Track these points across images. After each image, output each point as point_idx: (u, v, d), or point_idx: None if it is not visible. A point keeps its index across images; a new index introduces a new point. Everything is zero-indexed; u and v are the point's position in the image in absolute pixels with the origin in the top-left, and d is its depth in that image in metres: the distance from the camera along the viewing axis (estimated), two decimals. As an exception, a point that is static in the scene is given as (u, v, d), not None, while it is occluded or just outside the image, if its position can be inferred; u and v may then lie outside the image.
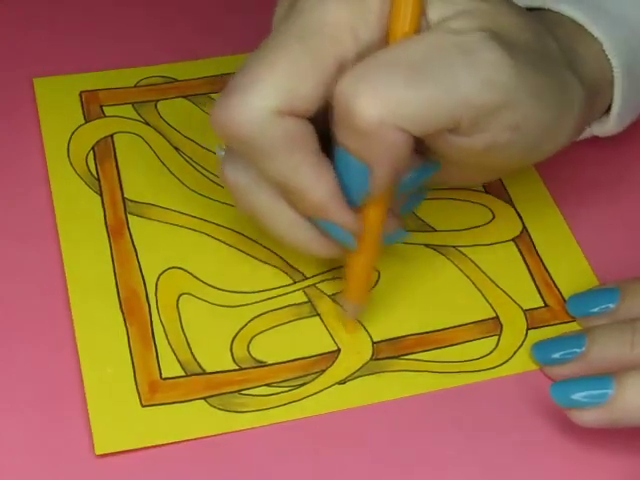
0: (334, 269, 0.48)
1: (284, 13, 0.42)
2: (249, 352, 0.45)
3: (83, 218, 0.49)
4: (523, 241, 0.50)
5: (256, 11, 0.59)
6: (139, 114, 0.54)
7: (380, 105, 0.39)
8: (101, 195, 0.50)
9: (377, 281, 0.48)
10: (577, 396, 0.42)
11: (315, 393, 0.44)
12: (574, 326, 0.47)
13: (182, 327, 0.46)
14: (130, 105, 0.54)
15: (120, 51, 0.56)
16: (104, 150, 0.52)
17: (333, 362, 0.45)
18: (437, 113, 0.40)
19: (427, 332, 0.47)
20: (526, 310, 0.48)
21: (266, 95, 0.41)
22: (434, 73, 0.40)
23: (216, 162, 0.46)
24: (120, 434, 0.42)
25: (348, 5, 0.41)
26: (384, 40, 0.41)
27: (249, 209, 0.44)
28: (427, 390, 0.45)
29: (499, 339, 0.47)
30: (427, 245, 0.50)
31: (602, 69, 0.47)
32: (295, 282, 0.48)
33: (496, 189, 0.52)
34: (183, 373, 0.44)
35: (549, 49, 0.44)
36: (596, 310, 0.46)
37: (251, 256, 0.49)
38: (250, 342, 0.46)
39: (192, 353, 0.45)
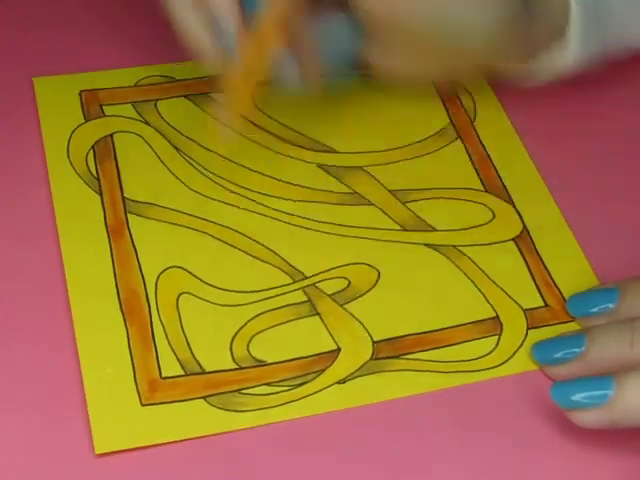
0: (334, 268, 0.48)
1: None
2: (249, 351, 0.45)
3: (83, 218, 0.49)
4: (523, 241, 0.50)
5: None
6: (139, 113, 0.54)
7: None
8: (101, 194, 0.50)
9: (377, 281, 0.48)
10: (577, 397, 0.42)
11: (315, 392, 0.44)
12: (574, 326, 0.47)
13: (182, 326, 0.46)
14: (130, 104, 0.54)
15: (120, 50, 0.56)
16: (104, 149, 0.52)
17: (333, 362, 0.45)
18: None
19: (427, 332, 0.47)
20: (526, 310, 0.48)
21: None
22: None
23: None
24: (120, 433, 0.42)
25: None
26: None
27: None
28: (427, 390, 0.45)
29: (499, 339, 0.47)
30: (427, 245, 0.50)
31: None
32: (295, 281, 0.48)
33: (496, 189, 0.52)
34: (183, 372, 0.44)
35: None
36: (595, 310, 0.46)
37: (251, 255, 0.49)
38: (250, 341, 0.46)
39: (192, 352, 0.45)
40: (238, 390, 0.44)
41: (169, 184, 0.51)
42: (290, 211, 0.50)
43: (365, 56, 0.51)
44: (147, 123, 0.53)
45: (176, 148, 0.53)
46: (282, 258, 0.49)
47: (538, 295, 0.48)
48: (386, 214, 0.51)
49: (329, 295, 0.47)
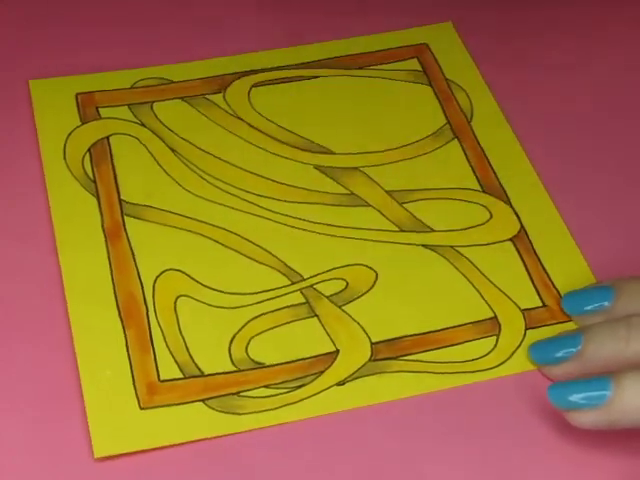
0: (332, 270, 0.48)
1: None
2: (247, 353, 0.45)
3: (80, 221, 0.49)
4: (521, 241, 0.50)
5: (252, 12, 0.59)
6: (135, 116, 0.54)
7: None
8: (98, 197, 0.50)
9: (375, 282, 0.48)
10: (574, 398, 0.42)
11: (314, 394, 0.44)
12: (572, 326, 0.47)
13: (180, 329, 0.46)
14: (126, 107, 0.54)
15: (116, 52, 0.56)
16: (100, 152, 0.52)
17: (332, 363, 0.45)
18: None
19: (425, 332, 0.47)
20: (524, 310, 0.48)
21: None
22: None
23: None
24: (119, 437, 0.42)
25: None
26: None
27: None
28: (426, 391, 0.45)
29: (497, 339, 0.47)
30: (425, 245, 0.50)
31: None
32: (292, 283, 0.48)
33: (494, 189, 0.52)
34: (181, 375, 0.44)
35: None
36: (590, 308, 0.46)
37: (248, 257, 0.49)
38: (248, 343, 0.46)
39: (190, 355, 0.45)
40: (237, 392, 0.44)
41: (166, 186, 0.51)
42: (287, 212, 0.50)
43: None
44: (143, 125, 0.53)
45: (173, 150, 0.52)
46: (279, 259, 0.49)
47: (536, 295, 0.48)
48: (383, 215, 0.51)
49: (327, 296, 0.47)
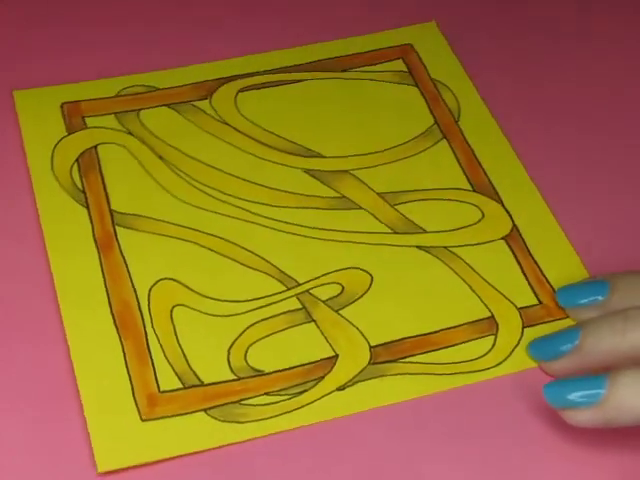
0: (327, 274, 0.48)
1: None
2: (246, 361, 0.45)
3: (71, 232, 0.49)
4: (514, 239, 0.50)
5: (238, 20, 0.59)
6: (122, 124, 0.53)
7: None
8: (88, 208, 0.50)
9: (370, 285, 0.48)
10: (570, 396, 0.42)
11: (315, 400, 0.44)
12: (569, 322, 0.47)
13: (177, 339, 0.46)
14: (112, 115, 0.53)
15: (99, 61, 0.56)
16: (88, 162, 0.52)
17: (331, 368, 0.45)
18: None
19: (423, 334, 0.47)
20: (520, 308, 0.48)
21: None
22: None
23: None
24: (122, 450, 0.42)
25: None
26: None
27: None
28: (426, 393, 0.45)
29: (495, 338, 0.47)
30: (419, 247, 0.50)
31: None
32: (288, 289, 0.48)
33: (484, 188, 0.52)
34: (181, 385, 0.44)
35: None
36: (585, 302, 0.46)
37: (242, 264, 0.48)
38: (247, 351, 0.45)
39: (189, 365, 0.45)
40: (238, 401, 0.44)
41: (156, 194, 0.51)
42: (279, 218, 0.50)
43: None
44: (130, 133, 0.53)
45: (161, 157, 0.52)
46: (273, 265, 0.48)
47: (531, 293, 0.48)
48: (376, 217, 0.50)
49: (323, 301, 0.47)
